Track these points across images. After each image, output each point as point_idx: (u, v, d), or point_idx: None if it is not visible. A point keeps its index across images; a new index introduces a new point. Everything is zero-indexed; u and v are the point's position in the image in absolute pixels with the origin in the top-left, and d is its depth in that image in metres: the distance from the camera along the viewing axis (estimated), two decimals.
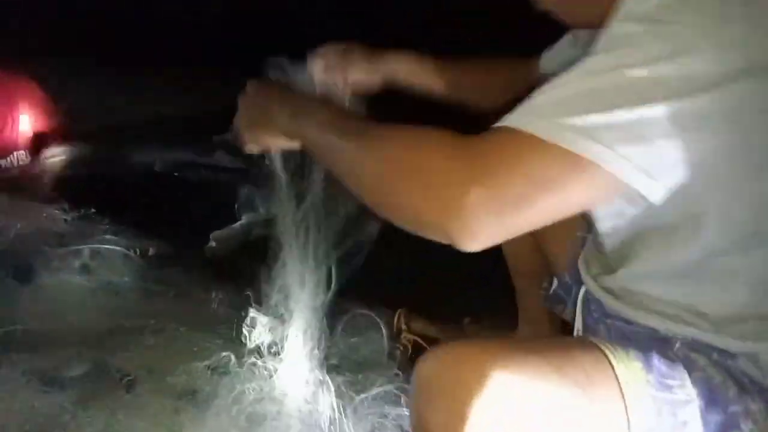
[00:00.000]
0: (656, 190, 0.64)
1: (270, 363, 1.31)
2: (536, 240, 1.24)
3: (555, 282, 1.14)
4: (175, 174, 2.39)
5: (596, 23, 0.74)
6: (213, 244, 1.81)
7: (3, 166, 2.35)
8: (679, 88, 0.62)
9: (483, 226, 0.64)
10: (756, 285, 0.76)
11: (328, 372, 1.27)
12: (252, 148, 0.99)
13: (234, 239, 1.71)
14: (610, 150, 0.62)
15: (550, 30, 0.99)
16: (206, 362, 1.38)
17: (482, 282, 1.55)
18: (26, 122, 2.41)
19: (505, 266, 1.35)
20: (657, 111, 0.62)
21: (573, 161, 0.62)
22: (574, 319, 1.07)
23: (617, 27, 0.67)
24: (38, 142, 2.43)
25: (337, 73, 1.14)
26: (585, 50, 0.76)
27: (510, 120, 0.67)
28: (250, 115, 0.96)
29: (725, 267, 0.76)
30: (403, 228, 0.70)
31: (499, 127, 0.67)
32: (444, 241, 0.67)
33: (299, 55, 1.12)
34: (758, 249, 0.74)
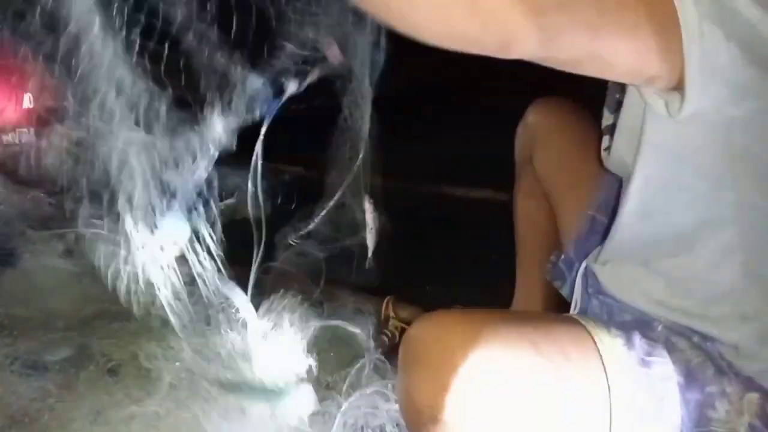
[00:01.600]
0: (692, 99, 0.64)
1: (256, 350, 1.30)
2: (552, 211, 1.24)
3: (561, 256, 1.16)
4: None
5: None
6: None
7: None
8: None
9: (553, 32, 0.62)
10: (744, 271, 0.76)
11: (315, 358, 1.27)
12: None
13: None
14: (697, 18, 0.61)
15: None
16: (191, 347, 1.37)
17: (472, 270, 1.56)
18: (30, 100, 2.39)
19: (495, 253, 1.34)
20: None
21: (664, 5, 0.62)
22: (570, 296, 1.09)
23: None
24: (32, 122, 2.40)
25: None
26: None
27: None
28: None
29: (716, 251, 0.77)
30: (422, 36, 0.63)
31: None
32: (491, 42, 0.63)
33: None
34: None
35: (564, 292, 1.13)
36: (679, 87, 0.65)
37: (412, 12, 0.63)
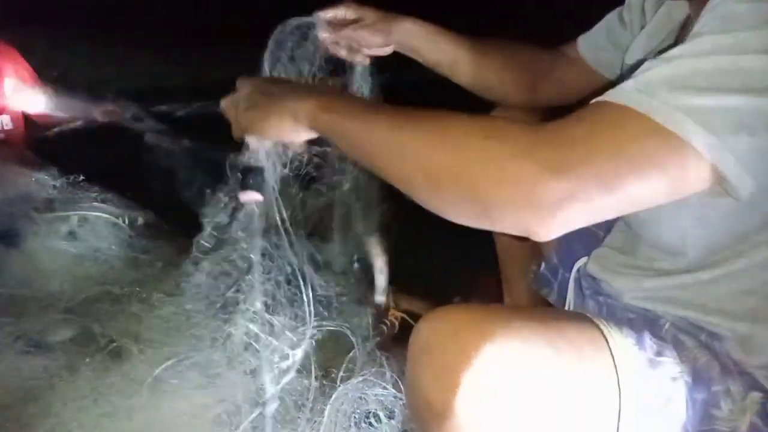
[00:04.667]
0: (747, 186, 0.61)
1: (255, 336, 1.32)
2: None
3: (543, 264, 1.16)
4: (163, 145, 2.38)
5: None
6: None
7: None
8: None
9: (568, 219, 0.61)
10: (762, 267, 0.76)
11: (313, 348, 1.28)
12: (253, 139, 0.91)
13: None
14: (717, 138, 0.59)
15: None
16: (191, 331, 1.39)
17: (472, 260, 1.56)
18: (11, 86, 2.39)
19: (494, 242, 1.35)
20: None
21: (676, 143, 0.59)
22: (558, 301, 1.09)
23: (726, 5, 0.63)
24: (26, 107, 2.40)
25: (346, 31, 1.07)
26: (640, 31, 0.76)
27: (612, 95, 0.63)
28: (258, 104, 0.86)
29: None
30: (455, 220, 0.66)
31: (597, 102, 0.64)
32: (516, 230, 0.63)
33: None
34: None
35: (551, 298, 1.12)
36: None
37: (442, 204, 0.67)
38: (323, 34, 1.06)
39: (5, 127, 2.36)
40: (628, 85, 0.63)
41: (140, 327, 1.44)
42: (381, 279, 1.39)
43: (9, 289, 1.53)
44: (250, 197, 0.96)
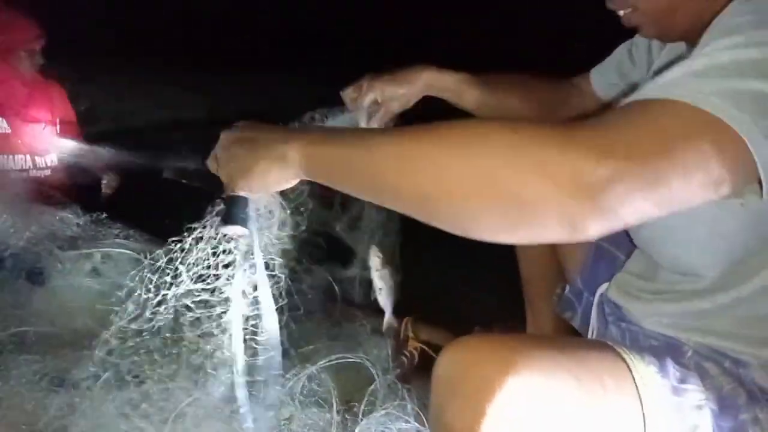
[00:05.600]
0: None
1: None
2: (553, 245, 1.24)
3: (567, 288, 1.16)
4: (184, 181, 2.41)
5: (689, 37, 0.76)
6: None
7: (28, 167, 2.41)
8: None
9: (614, 206, 0.57)
10: None
11: (331, 381, 1.28)
12: (242, 192, 0.85)
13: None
14: (748, 116, 0.58)
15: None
16: (212, 366, 1.39)
17: (492, 290, 1.56)
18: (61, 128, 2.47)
19: (515, 273, 1.36)
20: None
21: (712, 123, 0.58)
22: (581, 326, 1.09)
23: (713, 49, 0.64)
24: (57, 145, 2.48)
25: (370, 92, 1.10)
26: (647, 68, 0.77)
27: (636, 96, 0.63)
28: (239, 156, 0.80)
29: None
30: (483, 237, 0.61)
31: (624, 104, 0.63)
32: (559, 228, 0.58)
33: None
34: None
35: (575, 322, 1.13)
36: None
37: (467, 219, 0.61)
38: (351, 103, 1.10)
39: (50, 164, 2.44)
40: (649, 86, 0.63)
41: (164, 361, 1.44)
42: (384, 300, 1.37)
43: (34, 327, 1.55)
44: (233, 231, 0.90)
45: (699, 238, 0.77)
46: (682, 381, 0.76)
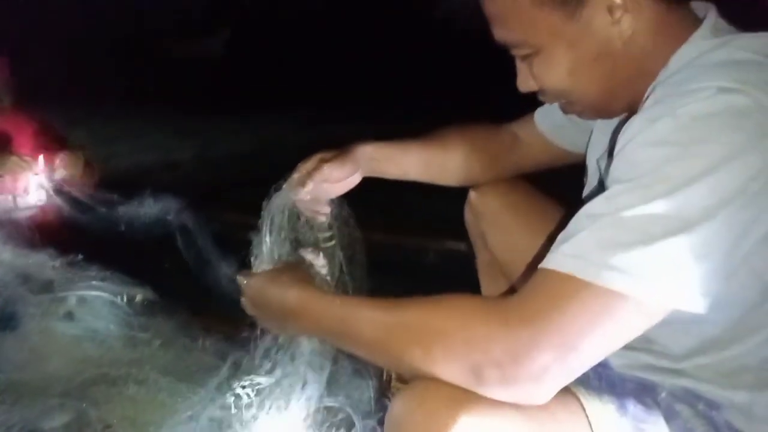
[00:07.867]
0: (701, 303, 0.65)
1: (256, 414, 1.29)
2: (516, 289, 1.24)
3: None
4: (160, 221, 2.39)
5: (631, 109, 0.77)
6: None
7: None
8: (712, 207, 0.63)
9: (551, 376, 0.66)
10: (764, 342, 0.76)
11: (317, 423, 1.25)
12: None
13: None
14: (649, 282, 0.63)
15: None
16: (189, 413, 1.36)
17: None
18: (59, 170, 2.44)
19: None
20: (690, 238, 0.63)
21: (615, 298, 0.64)
22: None
23: (639, 152, 0.68)
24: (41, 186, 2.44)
25: (314, 173, 1.07)
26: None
27: (553, 262, 0.68)
28: (255, 314, 1.01)
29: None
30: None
31: (543, 271, 0.69)
32: (510, 399, 0.69)
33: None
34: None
35: None
36: None
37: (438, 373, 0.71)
38: (293, 197, 1.08)
39: (38, 203, 2.39)
40: (564, 249, 0.68)
41: (136, 410, 1.41)
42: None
43: (4, 374, 1.51)
44: None
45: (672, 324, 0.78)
46: (644, 421, 0.77)
